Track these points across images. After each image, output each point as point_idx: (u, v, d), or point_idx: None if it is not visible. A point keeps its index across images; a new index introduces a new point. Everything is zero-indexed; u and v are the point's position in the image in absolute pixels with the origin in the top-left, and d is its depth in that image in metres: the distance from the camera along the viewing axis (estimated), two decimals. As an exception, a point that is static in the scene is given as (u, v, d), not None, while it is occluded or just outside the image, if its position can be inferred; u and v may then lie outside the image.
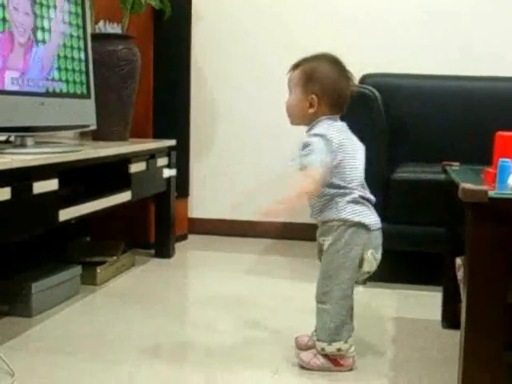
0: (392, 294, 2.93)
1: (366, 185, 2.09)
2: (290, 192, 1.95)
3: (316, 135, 1.99)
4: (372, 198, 2.08)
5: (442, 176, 2.47)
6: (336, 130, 2.02)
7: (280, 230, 3.99)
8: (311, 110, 2.04)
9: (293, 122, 2.12)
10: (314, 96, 2.03)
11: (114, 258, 3.10)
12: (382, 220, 2.92)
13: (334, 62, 2.07)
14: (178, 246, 3.67)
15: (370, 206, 2.07)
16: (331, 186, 2.01)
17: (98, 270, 2.94)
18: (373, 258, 2.04)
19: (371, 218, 2.05)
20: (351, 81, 2.09)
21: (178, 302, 2.81)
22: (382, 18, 3.85)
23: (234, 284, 3.08)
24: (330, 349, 2.05)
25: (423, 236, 2.95)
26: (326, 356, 2.07)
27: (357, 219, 2.01)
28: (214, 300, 2.80)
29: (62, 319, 2.51)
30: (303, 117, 2.07)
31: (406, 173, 2.99)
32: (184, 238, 3.92)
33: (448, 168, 2.35)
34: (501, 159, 1.81)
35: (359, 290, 2.97)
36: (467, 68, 3.64)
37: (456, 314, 2.04)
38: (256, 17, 3.99)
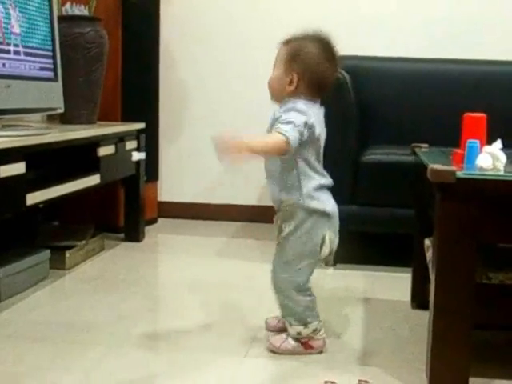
0: (361, 275, 2.95)
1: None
2: (255, 141, 1.90)
3: (296, 111, 1.95)
4: (331, 182, 2.07)
5: (411, 158, 2.48)
6: (312, 112, 1.99)
7: (250, 213, 3.99)
8: (290, 88, 2.00)
9: (272, 98, 2.07)
10: (295, 74, 1.99)
11: (83, 242, 3.07)
12: (352, 202, 2.97)
13: (323, 45, 2.03)
14: (148, 229, 3.66)
15: (328, 190, 2.07)
16: (303, 159, 1.99)
17: (67, 255, 2.91)
18: (330, 243, 2.03)
19: (331, 204, 2.06)
20: (336, 66, 2.05)
21: (148, 286, 2.80)
22: (355, 1, 3.85)
23: (204, 267, 3.07)
24: (307, 331, 2.06)
25: (392, 218, 2.97)
26: (297, 340, 2.07)
27: (320, 207, 2.01)
28: (184, 283, 2.80)
29: (30, 304, 2.49)
30: (281, 93, 2.03)
31: (376, 155, 3.00)
32: (154, 221, 3.90)
33: (417, 150, 2.37)
34: (469, 140, 1.82)
35: (328, 272, 2.99)
36: (436, 51, 3.66)
37: (425, 294, 2.06)
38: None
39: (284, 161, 2.00)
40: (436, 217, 1.71)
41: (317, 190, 2.02)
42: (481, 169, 1.71)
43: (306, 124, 1.93)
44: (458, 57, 3.58)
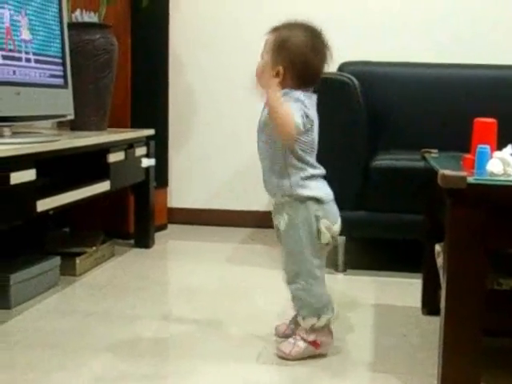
0: (372, 281, 2.94)
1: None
2: (280, 102, 1.91)
3: (296, 100, 1.94)
4: (323, 171, 2.07)
5: (421, 163, 2.47)
6: (309, 103, 1.98)
7: (259, 219, 3.99)
8: (276, 79, 1.95)
9: (257, 86, 2.02)
10: (280, 67, 1.96)
11: (94, 248, 3.08)
12: (361, 208, 2.96)
13: (311, 34, 2.01)
14: (158, 235, 3.66)
15: (322, 179, 2.07)
16: (291, 151, 1.99)
17: (78, 261, 2.92)
18: (326, 230, 2.02)
19: (323, 190, 2.05)
20: (325, 56, 2.02)
21: (158, 293, 2.80)
22: (363, 7, 3.84)
23: (214, 273, 3.07)
24: (320, 323, 2.05)
25: (402, 223, 2.96)
26: (305, 341, 2.06)
27: (311, 194, 2.01)
28: (194, 289, 2.80)
29: (41, 310, 2.49)
30: (267, 84, 1.97)
31: (385, 160, 2.99)
32: (163, 227, 3.90)
33: (427, 155, 2.36)
34: (479, 145, 1.82)
35: (339, 278, 2.99)
36: (446, 55, 3.66)
37: (435, 300, 2.05)
38: (234, 3, 3.97)
39: (276, 140, 2.00)
40: (447, 223, 1.71)
41: (306, 179, 2.01)
42: (491, 174, 1.70)
43: (306, 116, 1.94)
44: (468, 61, 3.58)
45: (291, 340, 2.09)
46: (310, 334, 2.06)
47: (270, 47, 2.01)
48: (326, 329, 2.09)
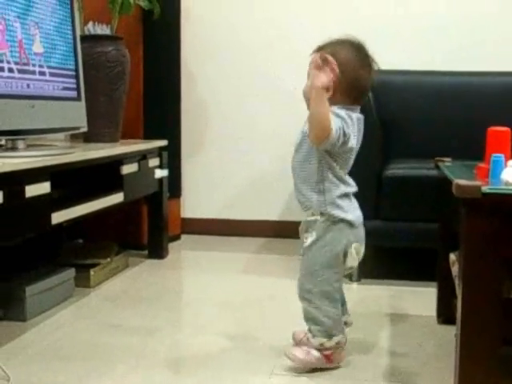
0: (386, 290, 2.93)
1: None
2: (323, 101, 1.88)
3: (336, 115, 1.92)
4: (356, 188, 2.07)
5: (435, 172, 2.47)
6: (351, 121, 1.96)
7: (273, 229, 3.99)
8: (326, 95, 1.90)
9: (308, 108, 1.97)
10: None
11: (108, 259, 3.09)
12: (375, 217, 2.96)
13: (358, 49, 2.00)
14: (172, 246, 3.67)
15: (354, 199, 2.06)
16: (328, 167, 1.99)
17: (92, 273, 2.93)
18: (356, 254, 2.02)
19: (355, 213, 2.05)
20: (372, 71, 2.01)
21: (173, 304, 2.80)
22: (375, 15, 3.85)
23: (228, 283, 3.07)
24: (330, 343, 2.04)
25: (417, 232, 2.95)
26: (319, 351, 2.05)
27: (343, 216, 2.00)
28: (208, 301, 2.80)
29: (56, 322, 2.50)
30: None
31: (399, 169, 2.99)
32: (177, 238, 3.91)
33: (440, 164, 2.36)
34: (493, 154, 1.81)
35: (353, 287, 2.98)
36: (459, 63, 3.65)
37: (451, 309, 2.04)
38: (247, 16, 3.99)
39: (310, 160, 1.99)
40: (462, 231, 1.70)
41: (340, 197, 2.01)
42: (506, 183, 1.70)
43: (344, 132, 1.92)
44: (481, 69, 3.57)
45: (305, 348, 2.08)
46: (329, 341, 2.05)
47: (316, 66, 1.95)
48: (340, 347, 2.08)
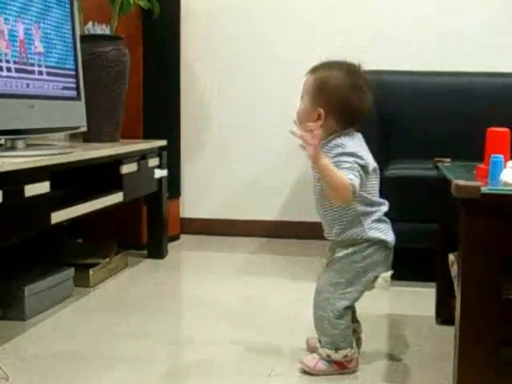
0: (385, 290, 2.93)
1: None
2: (329, 168, 1.87)
3: (349, 155, 1.91)
4: (387, 207, 2.05)
5: (434, 172, 2.47)
6: (362, 148, 1.96)
7: (272, 229, 3.99)
8: (318, 123, 1.92)
9: (300, 130, 1.95)
10: (320, 110, 1.94)
11: (107, 259, 3.09)
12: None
13: (350, 73, 1.98)
14: (171, 246, 3.67)
15: (387, 220, 2.05)
16: (360, 200, 1.96)
17: (91, 272, 2.93)
18: (384, 282, 2.02)
19: (391, 235, 2.04)
20: (365, 93, 1.98)
21: (172, 304, 2.80)
22: (373, 16, 3.85)
23: (227, 283, 3.07)
24: (337, 356, 2.02)
25: (415, 232, 2.95)
26: (329, 357, 2.03)
27: (383, 237, 2.00)
28: (207, 300, 2.80)
29: (55, 322, 2.50)
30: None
31: (398, 169, 2.99)
32: (176, 238, 3.91)
33: (440, 164, 2.36)
34: (493, 155, 1.81)
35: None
36: (459, 64, 3.65)
37: (450, 309, 2.04)
38: (245, 14, 3.99)
39: (338, 209, 1.98)
40: (461, 232, 1.70)
41: (377, 221, 2.00)
42: (505, 184, 1.70)
43: (362, 167, 1.91)
44: (481, 70, 3.57)
45: (316, 355, 2.06)
46: (336, 354, 2.03)
47: (308, 90, 1.98)
48: (350, 358, 2.05)
